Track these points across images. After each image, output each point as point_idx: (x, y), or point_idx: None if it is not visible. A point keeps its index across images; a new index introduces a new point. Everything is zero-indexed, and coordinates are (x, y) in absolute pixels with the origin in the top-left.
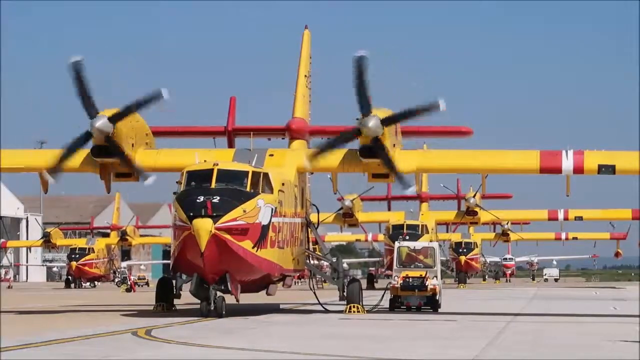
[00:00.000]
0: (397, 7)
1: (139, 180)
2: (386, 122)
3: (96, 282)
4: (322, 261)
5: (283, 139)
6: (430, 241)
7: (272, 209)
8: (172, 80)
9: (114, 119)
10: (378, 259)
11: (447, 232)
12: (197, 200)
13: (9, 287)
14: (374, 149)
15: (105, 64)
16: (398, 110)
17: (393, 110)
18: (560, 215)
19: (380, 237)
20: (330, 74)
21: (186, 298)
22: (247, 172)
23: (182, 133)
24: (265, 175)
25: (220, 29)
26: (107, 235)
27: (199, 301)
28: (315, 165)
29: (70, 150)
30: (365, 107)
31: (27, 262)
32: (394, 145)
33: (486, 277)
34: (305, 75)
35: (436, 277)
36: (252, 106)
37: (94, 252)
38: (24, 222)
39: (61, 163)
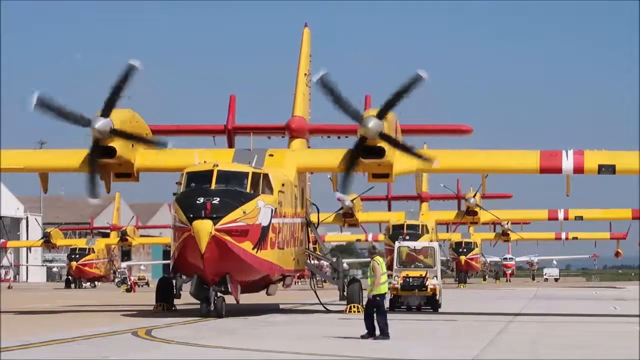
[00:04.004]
0: (397, 7)
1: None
2: (381, 115)
3: (96, 283)
4: (322, 261)
5: (283, 137)
6: (431, 241)
7: (272, 210)
8: (172, 79)
9: (106, 112)
10: None
11: (447, 232)
12: (197, 202)
13: (9, 287)
14: (376, 149)
15: (105, 64)
16: (385, 100)
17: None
18: (561, 215)
19: (381, 237)
20: (330, 73)
21: (186, 298)
22: (247, 173)
23: (182, 132)
24: (265, 176)
25: (220, 27)
26: (107, 235)
27: (199, 301)
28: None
29: (92, 167)
30: (354, 115)
31: (27, 262)
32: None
33: (486, 277)
34: (305, 74)
35: (436, 277)
36: (252, 105)
37: (94, 252)
38: (24, 222)
39: (93, 188)
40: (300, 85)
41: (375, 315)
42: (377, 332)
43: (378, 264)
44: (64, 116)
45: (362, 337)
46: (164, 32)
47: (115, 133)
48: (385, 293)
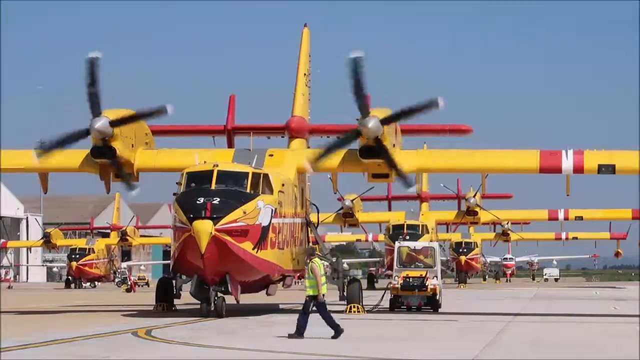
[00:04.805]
0: (397, 6)
1: (128, 187)
2: (385, 121)
3: (96, 283)
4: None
5: (282, 137)
6: (431, 241)
7: (272, 210)
8: (171, 78)
9: (114, 124)
10: (378, 259)
11: (447, 232)
12: (197, 202)
13: (9, 287)
14: (375, 149)
15: (104, 62)
16: (397, 109)
17: (392, 110)
18: (561, 215)
19: (381, 237)
20: (329, 72)
21: (186, 298)
22: (247, 174)
23: (182, 132)
24: (265, 176)
25: (220, 27)
26: (107, 235)
27: (199, 301)
28: (316, 167)
29: (68, 139)
30: (363, 108)
31: (27, 262)
32: (394, 145)
33: (486, 277)
34: (305, 74)
35: (436, 277)
36: (252, 105)
37: (94, 252)
38: (24, 222)
39: (56, 146)
40: (299, 85)
41: (321, 314)
42: (333, 332)
43: (317, 265)
44: (91, 92)
45: (290, 335)
46: (164, 32)
47: (115, 124)
48: (324, 293)
